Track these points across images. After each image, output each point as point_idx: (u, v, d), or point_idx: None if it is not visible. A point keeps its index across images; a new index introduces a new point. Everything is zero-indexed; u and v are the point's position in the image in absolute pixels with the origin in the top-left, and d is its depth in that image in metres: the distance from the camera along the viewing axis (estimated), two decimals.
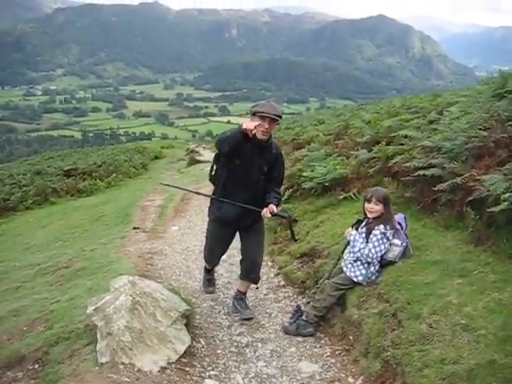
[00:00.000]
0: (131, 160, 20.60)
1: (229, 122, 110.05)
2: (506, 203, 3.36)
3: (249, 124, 3.53)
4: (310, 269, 4.77)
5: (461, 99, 6.77)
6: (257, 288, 4.76)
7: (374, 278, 3.80)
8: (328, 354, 3.63)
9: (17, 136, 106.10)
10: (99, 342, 3.03)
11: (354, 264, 3.84)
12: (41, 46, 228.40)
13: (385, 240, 3.74)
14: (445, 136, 4.87)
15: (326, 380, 3.28)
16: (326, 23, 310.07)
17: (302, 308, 4.06)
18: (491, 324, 2.71)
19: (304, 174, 6.70)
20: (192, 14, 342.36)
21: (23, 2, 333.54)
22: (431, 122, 6.17)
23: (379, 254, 3.75)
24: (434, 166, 4.57)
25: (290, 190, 7.01)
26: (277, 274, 5.29)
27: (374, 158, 6.16)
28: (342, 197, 5.94)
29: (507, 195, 3.37)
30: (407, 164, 4.99)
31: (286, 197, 6.79)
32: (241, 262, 4.27)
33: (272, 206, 3.88)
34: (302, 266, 5.02)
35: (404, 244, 3.82)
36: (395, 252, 3.80)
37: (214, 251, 4.40)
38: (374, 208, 3.79)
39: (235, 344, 3.82)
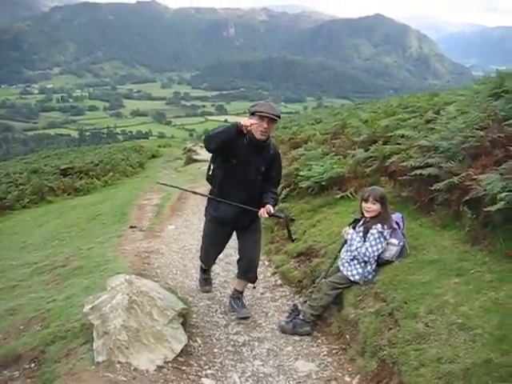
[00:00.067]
0: (128, 159, 20.58)
1: (226, 121, 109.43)
2: (502, 202, 3.36)
3: (246, 121, 3.54)
4: (306, 268, 4.77)
5: (458, 98, 6.77)
6: (254, 287, 4.77)
7: (370, 277, 3.80)
8: (325, 352, 3.63)
9: (13, 134, 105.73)
10: (96, 341, 3.02)
11: (351, 263, 3.84)
12: (38, 45, 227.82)
13: (382, 239, 3.75)
14: (442, 135, 4.88)
15: (323, 379, 3.29)
16: (323, 22, 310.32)
17: (299, 307, 4.06)
18: (487, 323, 2.72)
19: (301, 173, 6.71)
20: (189, 13, 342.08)
21: (20, 1, 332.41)
22: (428, 122, 6.18)
23: (376, 254, 3.75)
24: (430, 166, 4.58)
25: (287, 189, 7.01)
26: (273, 273, 5.29)
27: (371, 157, 6.16)
28: (338, 196, 5.95)
29: (504, 195, 3.38)
30: (404, 163, 4.99)
31: (282, 196, 6.80)
32: (238, 261, 4.27)
33: (269, 207, 3.88)
34: (298, 265, 5.02)
35: (401, 243, 3.82)
36: (392, 251, 3.81)
37: (209, 252, 4.41)
38: (371, 207, 3.80)
39: (232, 343, 3.82)
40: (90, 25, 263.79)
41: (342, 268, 3.90)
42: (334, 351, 3.62)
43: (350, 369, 3.33)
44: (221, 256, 4.65)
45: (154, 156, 24.46)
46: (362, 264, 3.80)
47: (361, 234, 3.84)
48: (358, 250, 3.77)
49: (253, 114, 3.75)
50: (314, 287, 4.01)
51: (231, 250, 5.14)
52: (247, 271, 4.18)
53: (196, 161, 19.06)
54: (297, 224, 5.84)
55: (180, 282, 5.03)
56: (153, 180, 13.33)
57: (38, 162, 21.96)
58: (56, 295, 4.14)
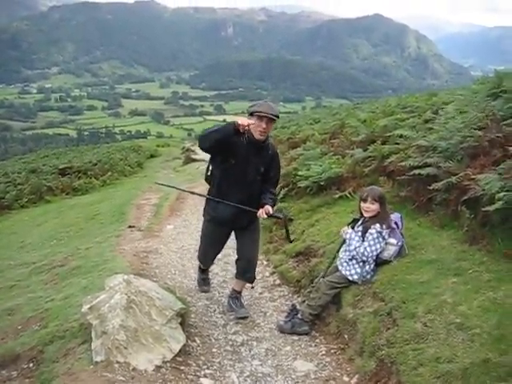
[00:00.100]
0: (127, 158, 20.58)
1: (224, 120, 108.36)
2: (500, 202, 3.36)
3: (243, 120, 3.53)
4: (305, 268, 4.77)
5: (456, 98, 6.78)
6: (252, 287, 4.76)
7: (369, 276, 3.80)
8: (323, 352, 3.63)
9: (12, 134, 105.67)
10: (94, 341, 3.01)
11: (350, 263, 3.85)
12: (36, 44, 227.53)
13: (381, 239, 3.75)
14: (440, 135, 4.88)
15: (321, 379, 3.29)
16: (322, 22, 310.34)
17: (298, 307, 4.06)
18: (486, 323, 2.72)
19: (299, 172, 6.71)
20: (188, 13, 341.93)
21: (19, 0, 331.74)
22: (426, 122, 6.19)
23: (375, 253, 3.76)
24: (429, 166, 4.58)
25: (286, 189, 7.01)
26: (272, 273, 5.29)
27: (370, 157, 6.17)
28: (337, 196, 5.95)
29: (502, 194, 3.38)
30: (402, 163, 4.99)
31: (281, 196, 6.80)
32: (236, 261, 4.27)
33: (267, 207, 3.88)
34: (297, 265, 5.02)
35: (399, 243, 3.83)
36: (391, 251, 3.81)
37: (208, 252, 4.40)
38: (370, 207, 3.80)
39: (230, 343, 3.82)
40: (89, 24, 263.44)
41: (340, 268, 3.90)
42: (332, 351, 3.62)
43: (348, 368, 3.33)
44: (219, 256, 4.64)
45: (152, 156, 24.47)
46: (361, 264, 3.80)
47: (359, 233, 3.84)
48: (357, 249, 3.77)
49: (251, 114, 3.75)
50: (313, 287, 4.01)
51: (229, 249, 5.13)
52: (245, 271, 4.18)
53: (194, 160, 19.05)
54: (295, 224, 5.85)
55: (178, 281, 5.02)
56: (151, 180, 13.32)
57: (37, 162, 21.94)
58: (54, 295, 4.14)
